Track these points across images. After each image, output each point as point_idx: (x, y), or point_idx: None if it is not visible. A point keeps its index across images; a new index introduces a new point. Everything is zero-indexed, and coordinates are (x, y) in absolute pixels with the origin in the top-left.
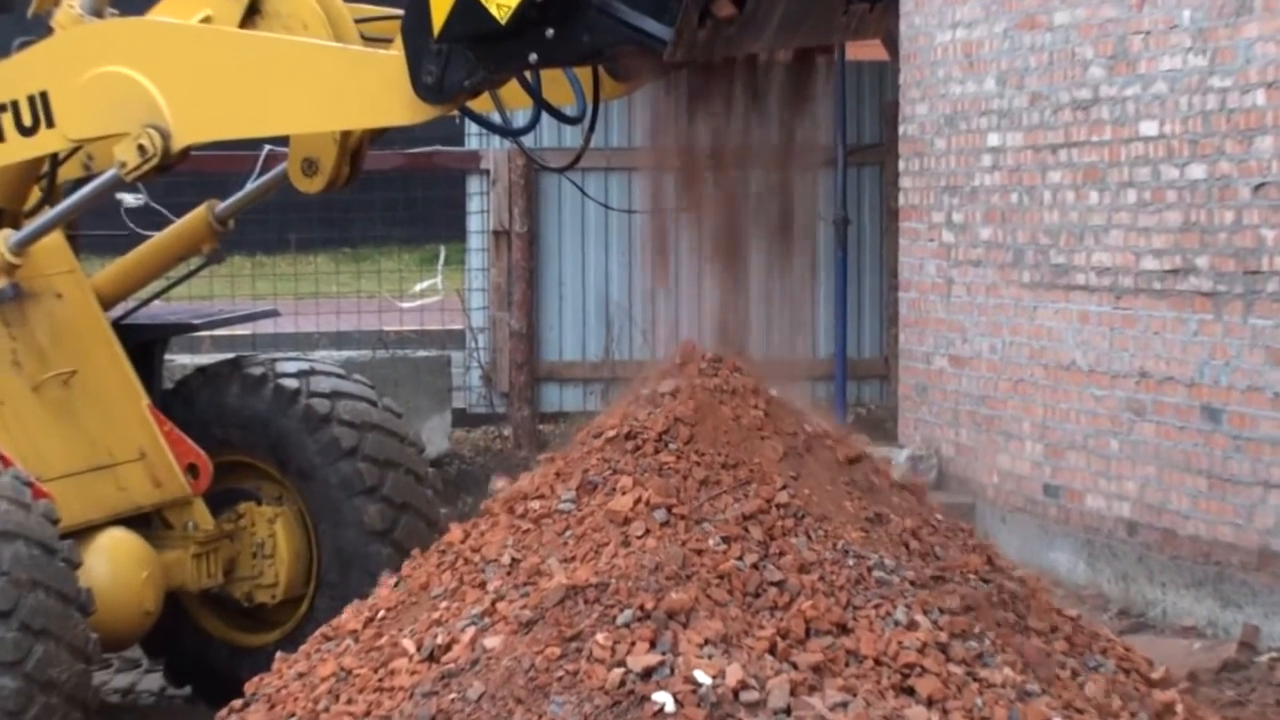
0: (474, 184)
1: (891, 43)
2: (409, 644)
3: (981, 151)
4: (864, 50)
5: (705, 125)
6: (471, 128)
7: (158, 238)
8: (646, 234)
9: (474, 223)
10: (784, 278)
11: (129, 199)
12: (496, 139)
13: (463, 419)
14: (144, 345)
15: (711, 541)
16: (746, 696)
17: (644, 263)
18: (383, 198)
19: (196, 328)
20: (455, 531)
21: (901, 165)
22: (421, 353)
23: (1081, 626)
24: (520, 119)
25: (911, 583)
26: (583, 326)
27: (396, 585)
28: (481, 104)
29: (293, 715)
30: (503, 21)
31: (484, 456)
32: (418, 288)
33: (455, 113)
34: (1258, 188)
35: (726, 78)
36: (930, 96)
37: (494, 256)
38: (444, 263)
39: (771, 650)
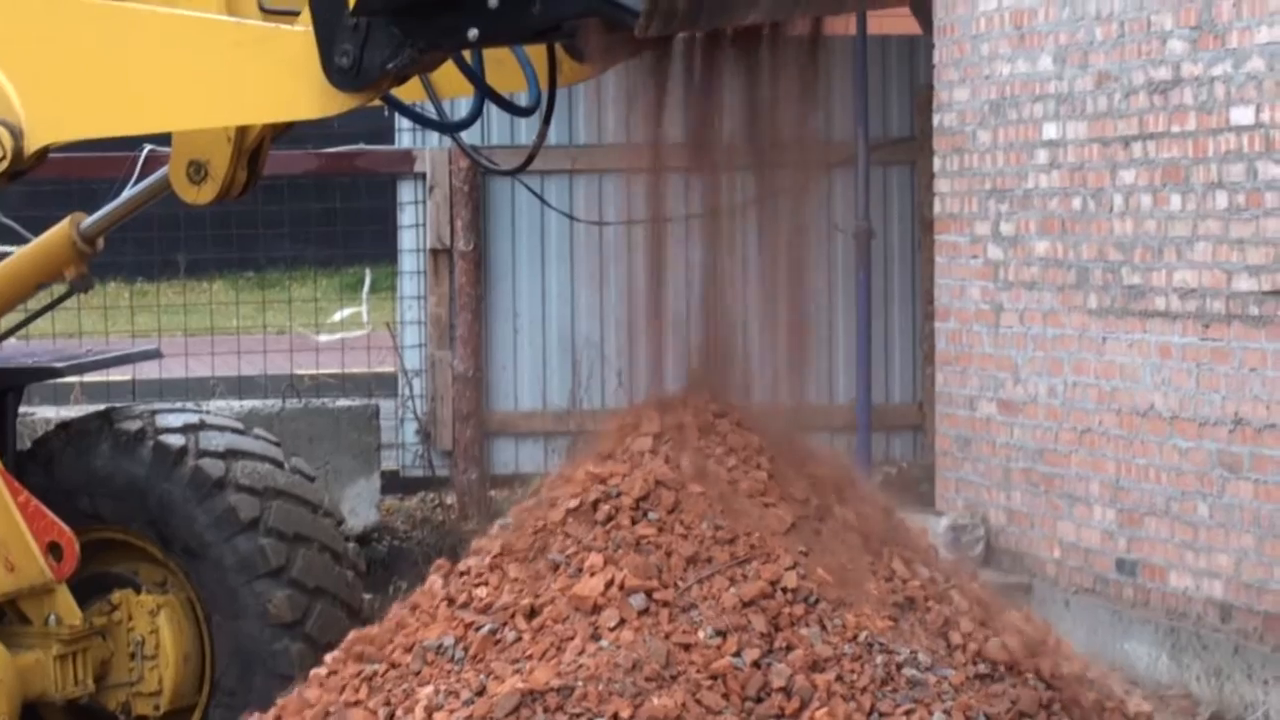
0: (407, 192)
1: (924, 12)
2: None
3: (1036, 146)
4: (890, 22)
5: (692, 116)
6: (403, 122)
7: (10, 261)
8: (627, 250)
9: (407, 240)
10: (793, 305)
11: None
12: (434, 136)
13: (395, 484)
14: None
15: (702, 634)
16: None
17: (623, 288)
18: (293, 210)
19: (60, 373)
20: (384, 624)
21: (937, 164)
22: (344, 402)
23: None
24: (461, 110)
25: (952, 684)
26: (543, 368)
27: (310, 691)
28: (412, 92)
29: None
30: None
31: (421, 530)
32: (337, 317)
33: (378, 103)
34: None
35: (716, 56)
36: (972, 78)
37: (432, 282)
38: (370, 290)
39: None
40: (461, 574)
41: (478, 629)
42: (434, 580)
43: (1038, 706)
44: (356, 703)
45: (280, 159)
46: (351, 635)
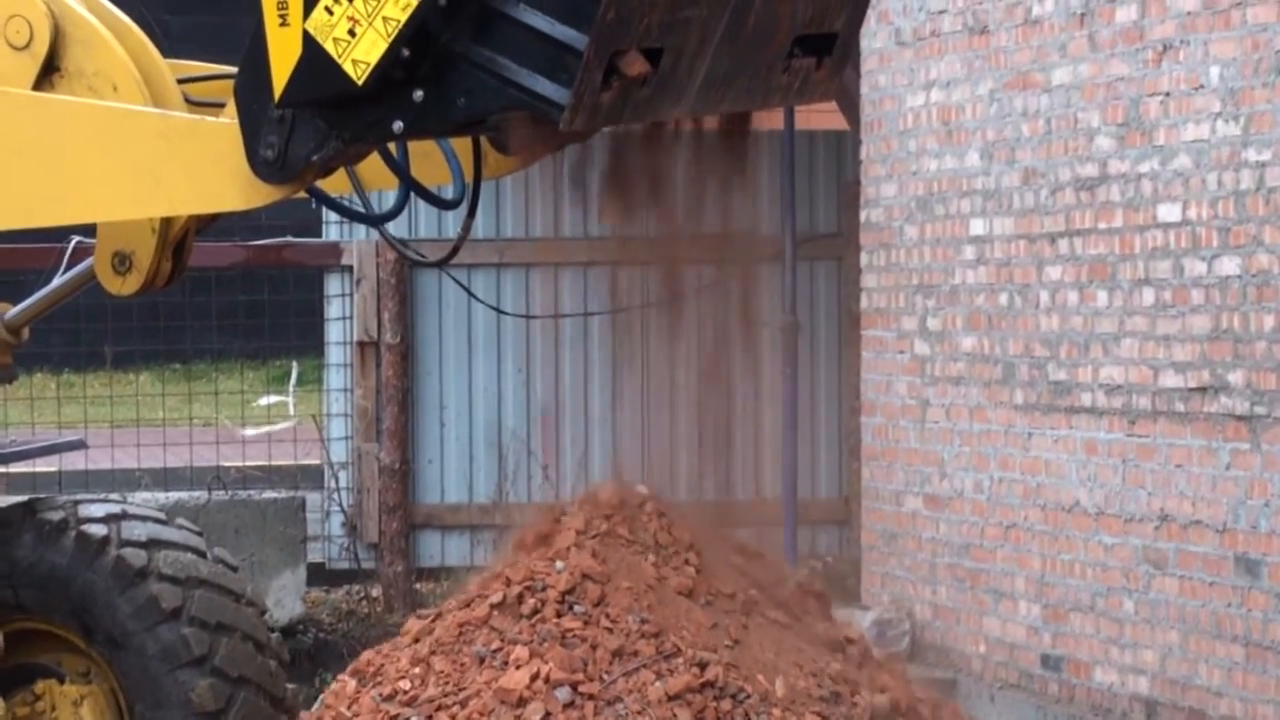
0: (334, 284)
1: (851, 108)
2: None
3: (963, 242)
4: (818, 118)
5: (617, 211)
6: (330, 215)
7: None
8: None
9: (334, 332)
10: (719, 399)
11: None
12: (360, 228)
13: (321, 576)
14: None
15: None
16: None
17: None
18: (220, 301)
19: None
20: (308, 715)
21: (864, 259)
22: (270, 494)
23: None
24: (387, 202)
25: None
26: (470, 461)
27: None
28: (338, 184)
29: None
30: (359, 82)
31: (347, 622)
32: (263, 402)
33: (303, 195)
34: None
35: (641, 151)
36: (899, 174)
37: (359, 374)
38: (297, 382)
39: None
40: (386, 667)
41: None
42: (357, 674)
43: None
44: None
45: (207, 250)
46: None
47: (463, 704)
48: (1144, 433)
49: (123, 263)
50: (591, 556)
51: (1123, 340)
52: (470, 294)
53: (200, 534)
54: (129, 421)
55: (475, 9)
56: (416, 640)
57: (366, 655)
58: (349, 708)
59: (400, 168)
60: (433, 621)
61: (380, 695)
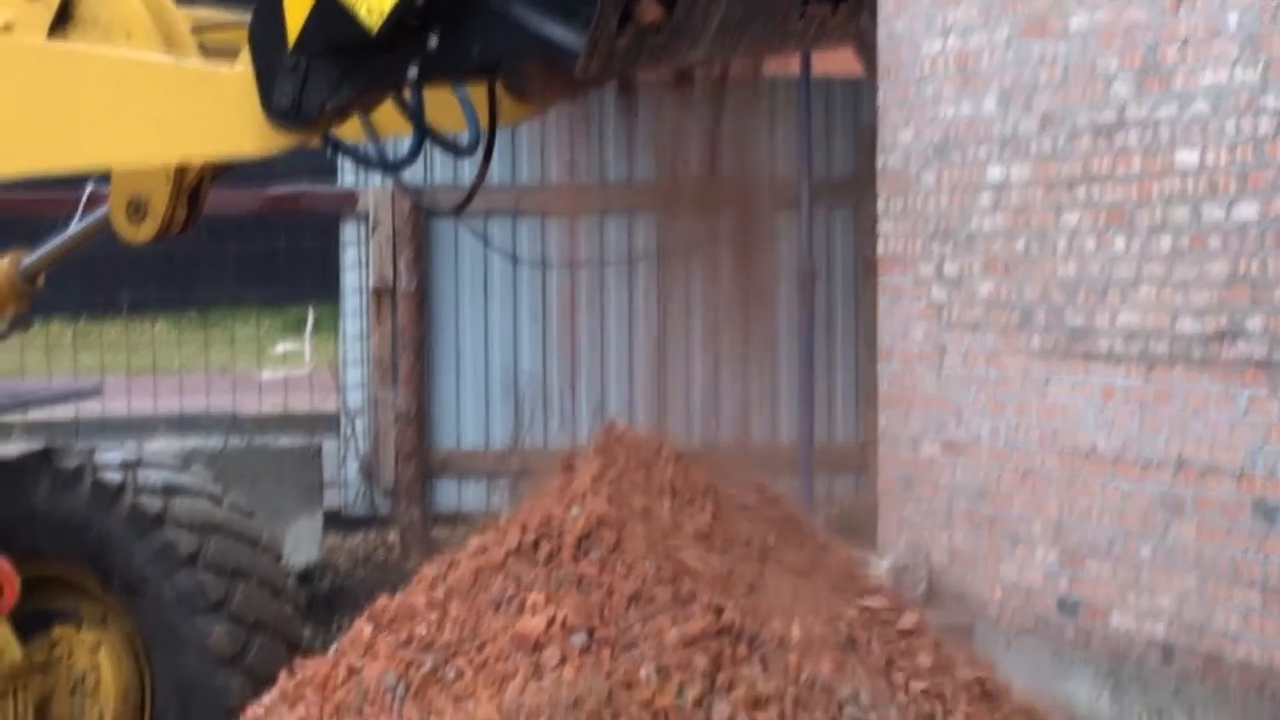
0: (350, 232)
1: (868, 53)
2: None
3: (980, 188)
4: (835, 63)
5: (637, 158)
6: (346, 162)
7: None
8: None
9: (350, 279)
10: (737, 346)
11: None
12: (377, 176)
13: (337, 522)
14: None
15: (644, 672)
16: None
17: (566, 327)
18: (236, 249)
19: (1, 410)
20: (325, 659)
21: (881, 206)
22: (286, 441)
23: None
24: (403, 150)
25: None
26: (486, 407)
27: None
28: (353, 131)
29: None
30: (373, 29)
31: (364, 568)
32: (278, 349)
33: (318, 142)
34: None
35: (660, 97)
36: (916, 120)
37: (375, 321)
38: (314, 329)
39: None
40: (402, 613)
41: (419, 666)
42: (373, 619)
43: None
44: None
45: (223, 198)
46: (285, 676)
47: (479, 649)
48: (1161, 378)
49: (138, 210)
50: (607, 502)
51: (1140, 286)
52: (486, 242)
53: (217, 480)
54: (145, 368)
55: None
56: (433, 586)
57: (383, 601)
58: (365, 653)
59: (415, 114)
60: (449, 567)
61: (397, 640)
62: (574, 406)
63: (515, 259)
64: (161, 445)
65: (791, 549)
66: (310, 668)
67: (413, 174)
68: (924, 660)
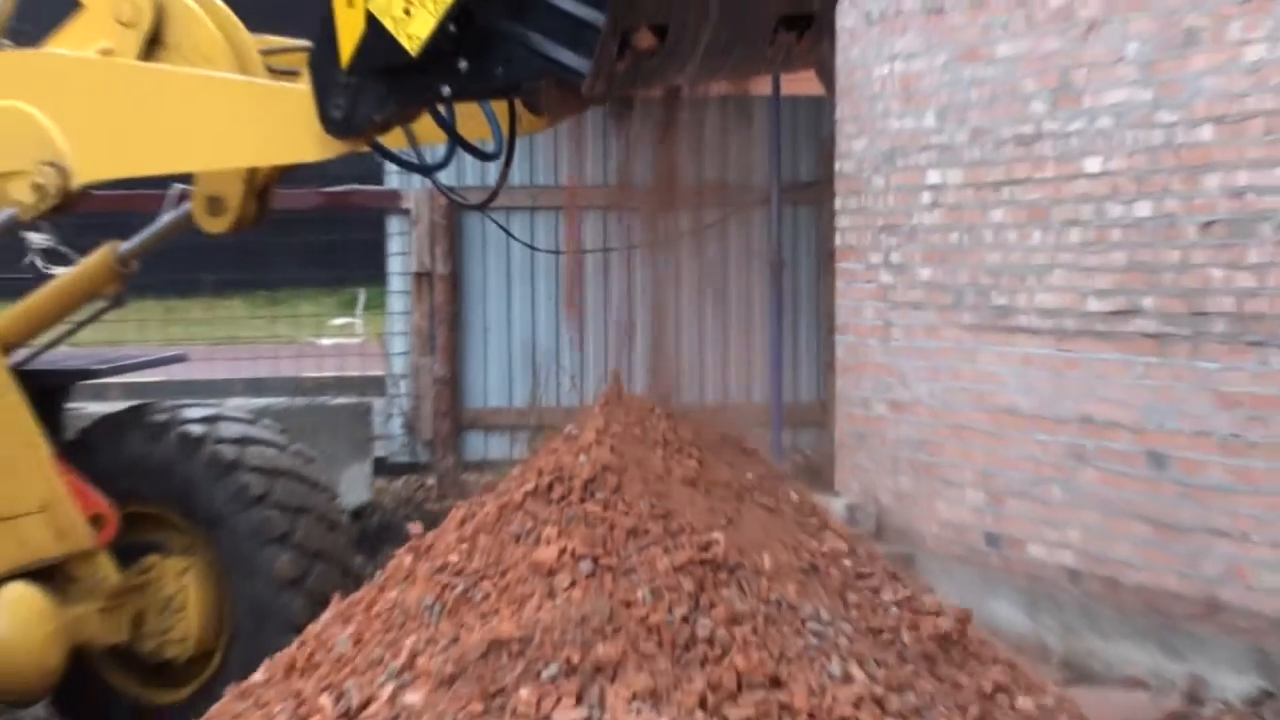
0: (394, 224)
1: (827, 76)
2: (326, 701)
3: (921, 189)
4: (800, 84)
5: (632, 162)
6: (389, 165)
7: (60, 280)
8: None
9: (394, 264)
10: (718, 321)
11: (36, 238)
12: (418, 177)
13: (384, 468)
14: (46, 392)
15: (640, 593)
16: None
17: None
18: (300, 239)
19: (101, 374)
20: (372, 584)
21: (838, 204)
22: (340, 400)
23: (1022, 677)
24: (438, 155)
25: (847, 636)
26: (508, 372)
27: (313, 642)
28: (396, 139)
29: None
30: (413, 53)
31: (406, 507)
32: (335, 323)
33: (366, 149)
34: (1205, 226)
35: (651, 112)
36: (868, 132)
37: (416, 299)
38: (364, 306)
39: (702, 705)
40: (438, 544)
41: (452, 589)
42: (413, 550)
43: (920, 656)
44: (357, 645)
45: (287, 196)
46: (339, 598)
47: (502, 574)
48: (1071, 349)
49: (216, 206)
50: (610, 451)
51: (1054, 271)
52: (508, 233)
53: (283, 432)
54: (223, 339)
55: None
56: (463, 522)
57: (422, 534)
58: (406, 578)
59: (448, 125)
60: (477, 506)
61: (433, 568)
62: (581, 372)
63: (533, 247)
64: (237, 403)
65: (763, 491)
66: (361, 591)
67: (447, 175)
68: (873, 584)
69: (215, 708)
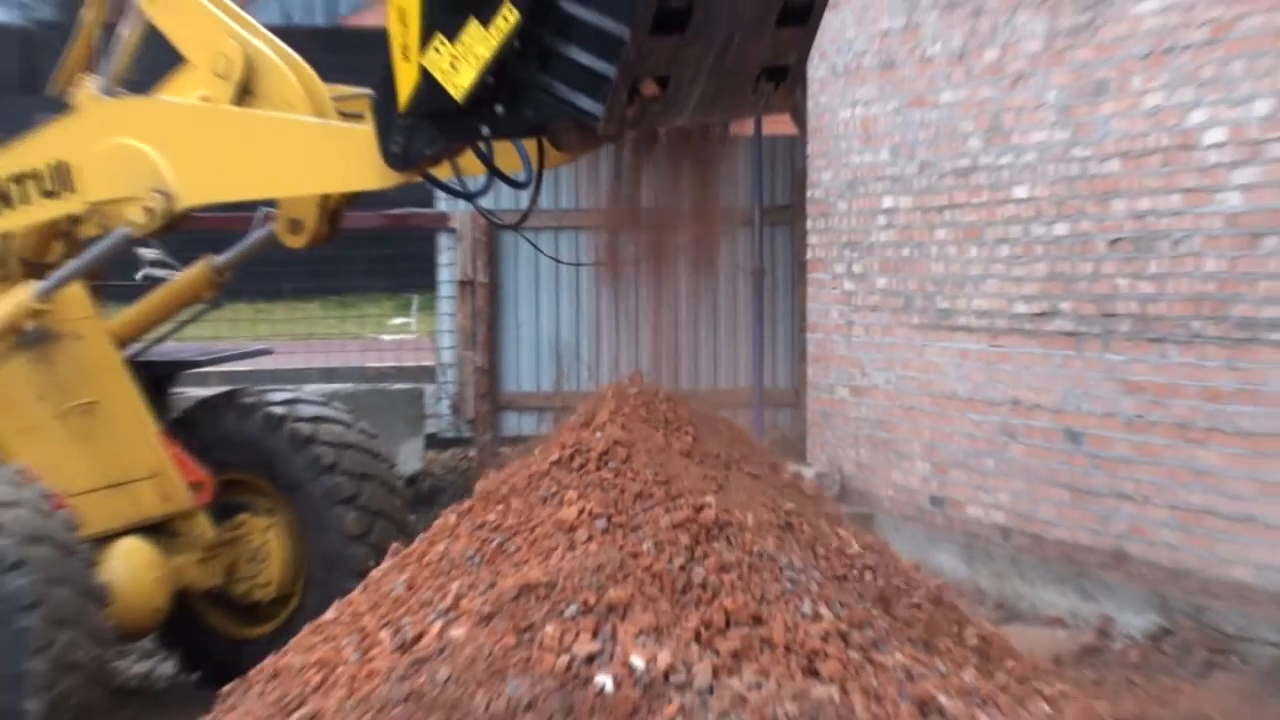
0: (443, 241)
1: (800, 119)
2: (385, 635)
3: (877, 213)
4: (778, 125)
5: (638, 190)
6: (439, 192)
7: (166, 286)
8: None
9: (443, 274)
10: (710, 320)
11: (147, 253)
12: (463, 202)
13: (434, 442)
14: (155, 379)
15: (645, 546)
16: (675, 679)
17: (594, 308)
18: (365, 253)
19: (200, 364)
20: (424, 538)
21: (809, 224)
22: (398, 386)
23: (960, 616)
24: (478, 183)
25: (817, 581)
26: (536, 363)
27: (374, 587)
28: (444, 171)
29: (285, 697)
30: (459, 99)
31: (452, 474)
32: (393, 323)
33: (420, 178)
34: (1113, 243)
35: (656, 148)
36: (833, 165)
37: (460, 303)
38: (418, 308)
39: (696, 639)
40: (477, 506)
41: (490, 543)
42: (457, 510)
43: (877, 597)
44: (410, 589)
45: (354, 218)
46: (395, 549)
47: (531, 530)
48: (1001, 344)
49: (295, 226)
50: (621, 429)
51: (987, 280)
52: (537, 249)
53: (351, 412)
54: (301, 336)
55: (539, 49)
56: (498, 488)
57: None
58: (451, 534)
59: (487, 159)
60: (510, 474)
61: (473, 525)
62: (598, 363)
63: (557, 260)
64: (312, 388)
65: (747, 462)
66: (414, 544)
67: (486, 200)
68: (840, 537)
69: (293, 640)
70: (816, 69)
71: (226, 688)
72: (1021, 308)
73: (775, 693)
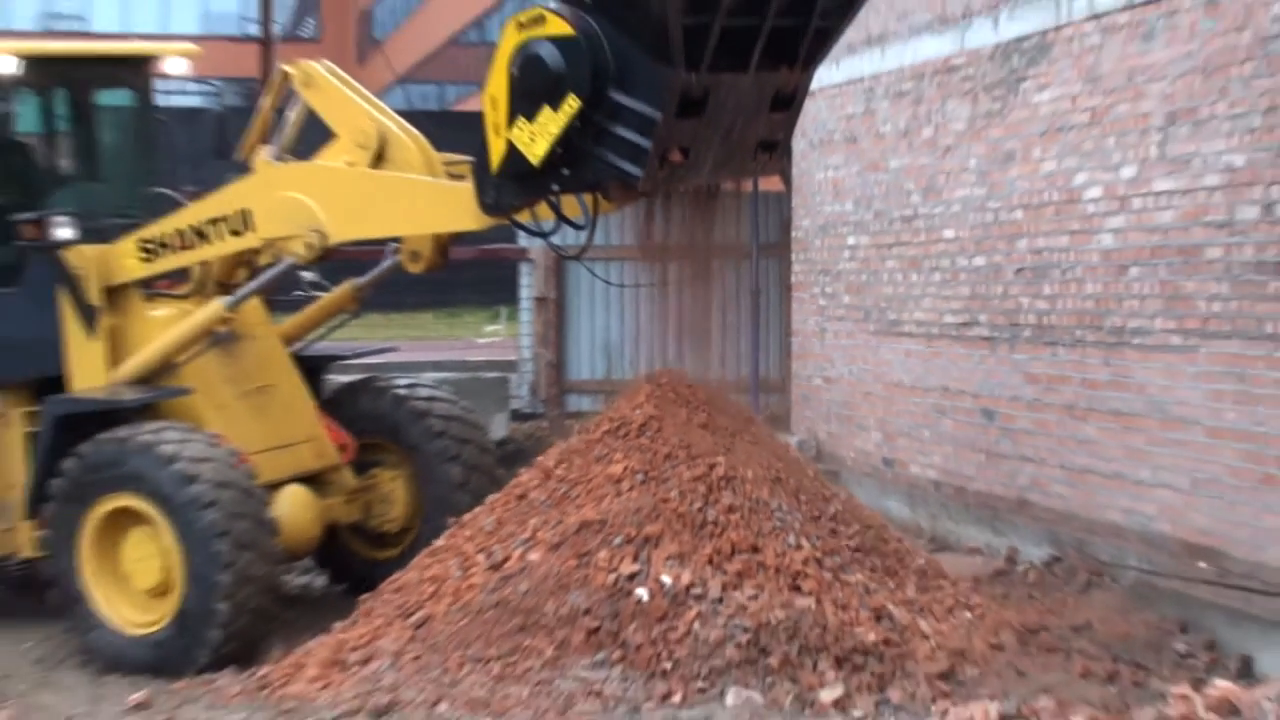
0: (524, 268)
1: (786, 179)
2: (480, 558)
3: (843, 248)
4: (770, 184)
5: (667, 230)
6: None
7: (320, 301)
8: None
9: (524, 292)
10: (719, 326)
11: (306, 275)
12: (538, 240)
13: (516, 416)
14: (312, 369)
15: (672, 493)
16: (694, 592)
17: (633, 319)
18: (466, 276)
19: (345, 358)
20: (508, 488)
21: (794, 256)
22: (490, 374)
23: (905, 547)
24: (549, 226)
25: (799, 521)
26: (592, 358)
27: (472, 522)
28: (523, 216)
29: (405, 603)
30: (536, 163)
31: (530, 441)
32: (487, 329)
33: (506, 222)
34: (1017, 271)
35: (679, 201)
36: (811, 214)
37: (536, 313)
38: (505, 318)
39: (710, 562)
40: (548, 463)
41: (557, 492)
42: (532, 466)
43: (847, 535)
44: (499, 524)
45: (459, 250)
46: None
47: (588, 482)
48: (935, 346)
49: (415, 256)
50: (654, 407)
51: (924, 299)
52: (593, 273)
53: (455, 394)
54: (419, 337)
55: (594, 128)
56: (563, 451)
57: (531, 463)
58: (529, 484)
59: (556, 208)
60: (572, 441)
61: (545, 478)
62: (637, 358)
63: (608, 282)
64: (427, 376)
65: (747, 432)
66: (501, 492)
67: (556, 238)
68: (816, 487)
69: (412, 561)
70: (798, 143)
71: (363, 596)
72: (950, 319)
73: (768, 602)
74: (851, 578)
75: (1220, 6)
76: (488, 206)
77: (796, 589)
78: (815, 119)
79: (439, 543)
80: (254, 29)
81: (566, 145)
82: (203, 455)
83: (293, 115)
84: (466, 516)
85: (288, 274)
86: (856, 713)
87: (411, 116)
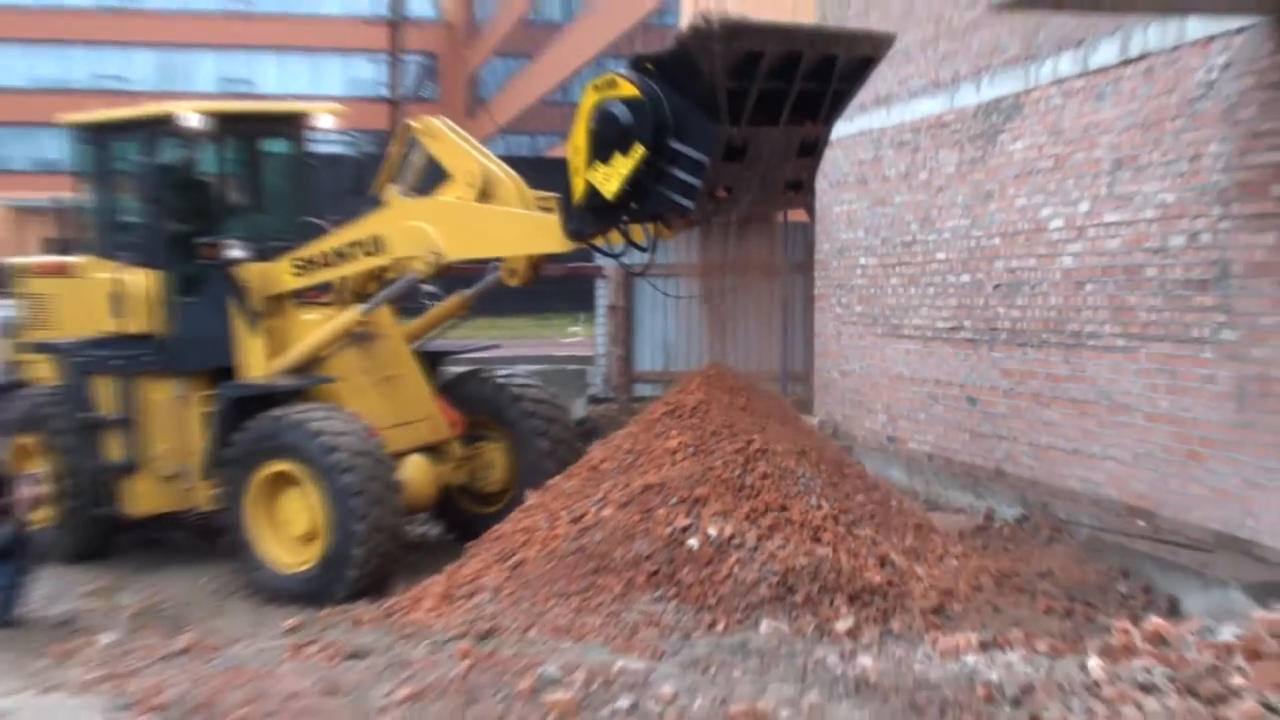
0: (600, 283)
1: (810, 212)
2: (563, 513)
3: (856, 268)
4: (797, 216)
5: (717, 251)
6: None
7: (437, 306)
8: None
9: (600, 301)
10: (756, 329)
11: (426, 288)
12: (611, 260)
13: (593, 400)
14: (431, 362)
15: (718, 463)
16: (734, 542)
17: (687, 324)
18: (553, 288)
19: (457, 353)
20: (586, 458)
21: (816, 274)
22: (572, 367)
23: (904, 507)
24: (620, 249)
25: (820, 485)
26: (653, 354)
27: (556, 485)
28: (598, 241)
29: (503, 550)
30: (610, 198)
31: (604, 420)
32: (570, 330)
33: (586, 246)
34: (995, 287)
35: (726, 225)
36: (830, 239)
37: (609, 318)
38: (584, 322)
39: (748, 518)
40: (616, 438)
41: (624, 461)
42: (602, 443)
43: (859, 497)
44: (578, 487)
45: (549, 268)
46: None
47: (650, 453)
48: (929, 346)
49: (512, 273)
50: (703, 394)
51: (921, 308)
52: (654, 286)
53: (544, 382)
54: (516, 337)
55: (656, 170)
56: (631, 429)
57: (599, 443)
58: (609, 451)
59: (625, 234)
60: (637, 420)
61: (616, 451)
62: (690, 354)
63: (666, 294)
64: (521, 368)
65: (779, 414)
66: (580, 462)
67: (625, 259)
68: (836, 460)
69: (509, 516)
70: (820, 182)
71: (469, 543)
72: (941, 324)
73: (794, 551)
74: (861, 531)
75: (1154, 74)
76: (571, 233)
77: (817, 540)
78: (833, 163)
79: (530, 501)
80: (385, 91)
81: (634, 184)
82: (343, 430)
83: (416, 160)
84: (552, 481)
85: (411, 286)
86: (864, 640)
87: (510, 161)
